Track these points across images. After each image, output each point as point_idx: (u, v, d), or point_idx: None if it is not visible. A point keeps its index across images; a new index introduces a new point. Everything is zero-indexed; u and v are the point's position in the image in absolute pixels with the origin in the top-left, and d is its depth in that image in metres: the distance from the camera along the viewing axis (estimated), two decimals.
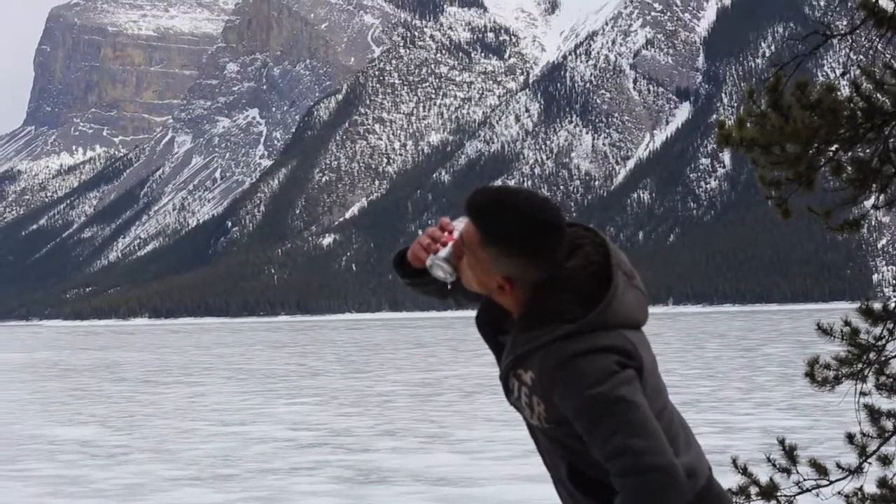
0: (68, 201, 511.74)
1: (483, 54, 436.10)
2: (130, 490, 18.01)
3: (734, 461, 6.56)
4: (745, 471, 6.54)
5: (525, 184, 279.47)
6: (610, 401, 2.58)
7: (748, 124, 5.88)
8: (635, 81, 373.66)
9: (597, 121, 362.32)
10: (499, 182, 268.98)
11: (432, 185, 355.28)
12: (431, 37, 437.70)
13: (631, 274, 2.77)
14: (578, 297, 2.70)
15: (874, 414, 6.57)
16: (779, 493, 6.49)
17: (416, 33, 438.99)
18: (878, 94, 5.83)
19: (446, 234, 2.79)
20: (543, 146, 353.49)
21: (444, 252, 2.76)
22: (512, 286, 2.72)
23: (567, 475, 2.79)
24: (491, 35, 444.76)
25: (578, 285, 2.71)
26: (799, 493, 6.48)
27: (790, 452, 6.55)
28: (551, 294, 2.70)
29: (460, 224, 2.78)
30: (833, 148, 5.96)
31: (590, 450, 2.66)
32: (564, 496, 2.86)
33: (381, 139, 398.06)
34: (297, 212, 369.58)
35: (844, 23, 6.20)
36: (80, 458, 22.22)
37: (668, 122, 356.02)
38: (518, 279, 2.71)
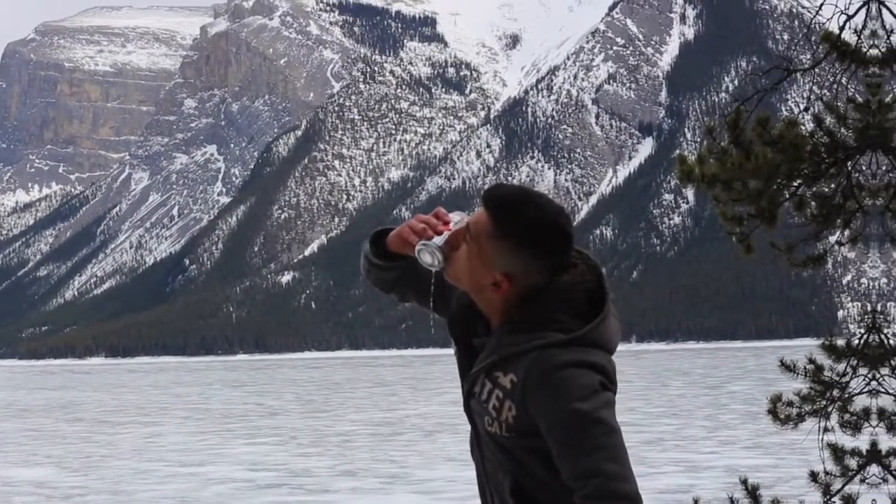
0: (24, 239, 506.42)
1: (444, 89, 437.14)
2: None
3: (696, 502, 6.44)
4: None
5: None
6: (591, 420, 2.57)
7: (710, 160, 5.79)
8: (597, 116, 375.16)
9: (559, 156, 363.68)
10: None
11: (393, 222, 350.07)
12: (391, 72, 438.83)
13: (614, 301, 2.81)
14: (572, 311, 2.70)
15: (838, 452, 6.48)
16: None
17: (376, 68, 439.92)
18: (842, 129, 5.76)
19: (441, 224, 2.78)
20: (505, 182, 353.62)
21: (438, 240, 2.74)
22: (510, 284, 2.71)
23: (510, 491, 2.74)
24: (451, 70, 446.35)
25: (573, 299, 2.71)
26: None
27: (753, 493, 6.44)
28: (547, 301, 2.70)
29: (457, 217, 2.79)
30: (796, 183, 5.89)
31: (557, 464, 2.63)
32: None
33: (340, 175, 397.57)
34: (256, 249, 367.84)
35: (808, 57, 6.15)
36: (35, 500, 21.82)
37: (630, 158, 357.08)
38: (518, 278, 2.70)
